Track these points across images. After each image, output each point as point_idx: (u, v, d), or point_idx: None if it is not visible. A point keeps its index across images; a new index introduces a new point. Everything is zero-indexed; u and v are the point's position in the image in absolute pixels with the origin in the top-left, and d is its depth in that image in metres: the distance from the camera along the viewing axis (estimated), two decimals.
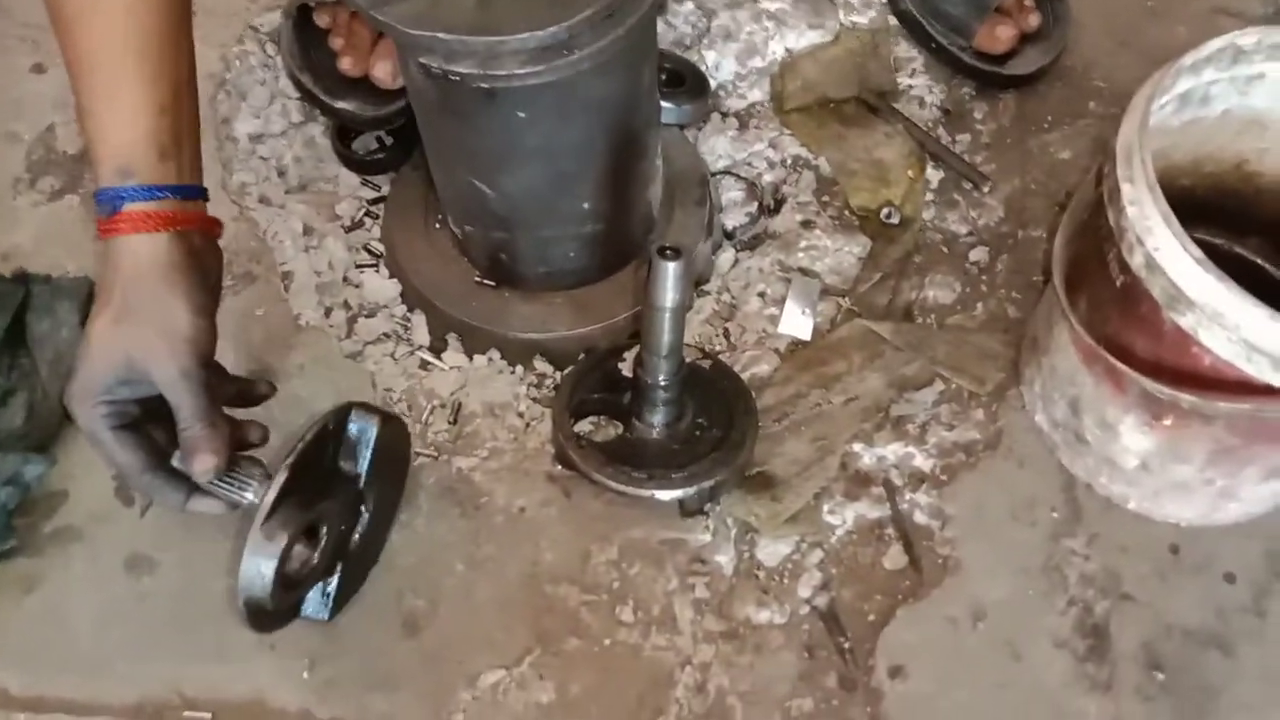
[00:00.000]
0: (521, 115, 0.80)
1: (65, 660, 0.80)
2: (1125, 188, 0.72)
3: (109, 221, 0.69)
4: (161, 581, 0.84)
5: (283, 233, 1.01)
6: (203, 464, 0.70)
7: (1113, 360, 0.76)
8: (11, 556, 0.84)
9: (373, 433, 0.78)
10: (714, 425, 0.88)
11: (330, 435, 0.76)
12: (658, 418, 0.87)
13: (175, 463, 0.72)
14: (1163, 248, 0.69)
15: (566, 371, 0.95)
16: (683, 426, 0.88)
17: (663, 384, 0.84)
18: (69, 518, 0.87)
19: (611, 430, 0.92)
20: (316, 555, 0.75)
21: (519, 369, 0.97)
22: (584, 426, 0.92)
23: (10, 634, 0.82)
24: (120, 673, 0.80)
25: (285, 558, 0.71)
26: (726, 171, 1.09)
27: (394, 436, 0.82)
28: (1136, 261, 0.71)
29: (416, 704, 0.79)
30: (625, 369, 0.93)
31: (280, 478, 0.70)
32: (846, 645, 0.84)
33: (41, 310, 0.92)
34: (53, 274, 0.95)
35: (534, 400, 0.95)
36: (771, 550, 0.87)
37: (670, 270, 0.76)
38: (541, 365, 0.97)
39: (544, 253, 0.95)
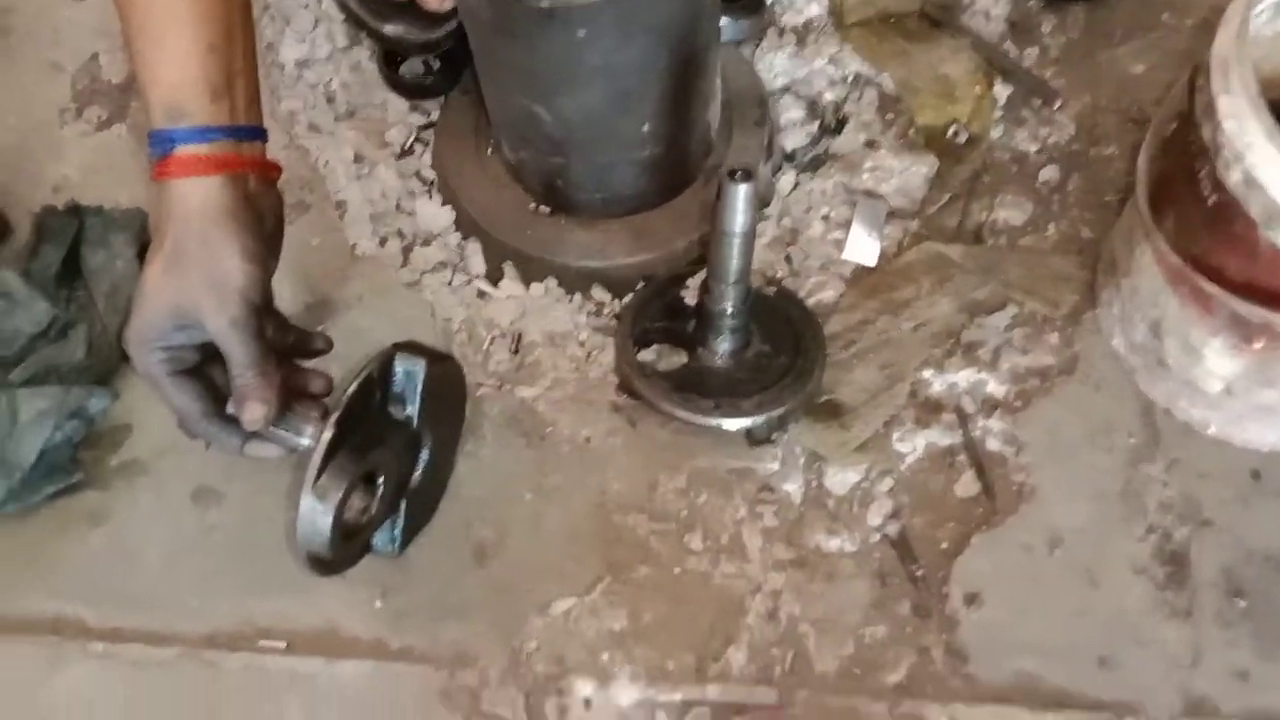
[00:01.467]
0: (581, 34, 0.77)
1: (136, 593, 0.81)
2: (1222, 101, 0.69)
3: (161, 164, 0.67)
4: (228, 514, 0.84)
5: (334, 160, 0.99)
6: (252, 413, 0.69)
7: (1202, 281, 0.73)
8: (78, 490, 0.84)
9: (420, 374, 0.75)
10: (780, 353, 0.86)
11: (376, 383, 0.74)
12: (724, 345, 0.86)
13: (230, 409, 0.71)
14: (1263, 164, 0.66)
15: (628, 299, 0.93)
16: (749, 355, 0.86)
17: (730, 311, 0.82)
18: (134, 451, 0.86)
19: (675, 359, 0.90)
20: (375, 503, 0.74)
21: (576, 297, 0.95)
22: (646, 355, 0.90)
23: (80, 567, 0.82)
24: (191, 605, 0.80)
25: (341, 510, 0.70)
26: (785, 90, 1.06)
27: (444, 373, 0.80)
28: (1233, 179, 0.68)
29: (488, 632, 0.79)
30: (688, 296, 0.91)
31: (326, 435, 0.69)
32: (919, 573, 0.83)
33: (96, 243, 0.91)
34: (104, 205, 0.94)
35: (594, 329, 0.93)
36: (840, 478, 0.86)
37: (741, 193, 0.74)
38: (599, 294, 0.95)
39: (601, 178, 0.93)
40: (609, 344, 0.92)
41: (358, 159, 1.01)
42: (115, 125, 1.02)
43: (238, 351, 0.68)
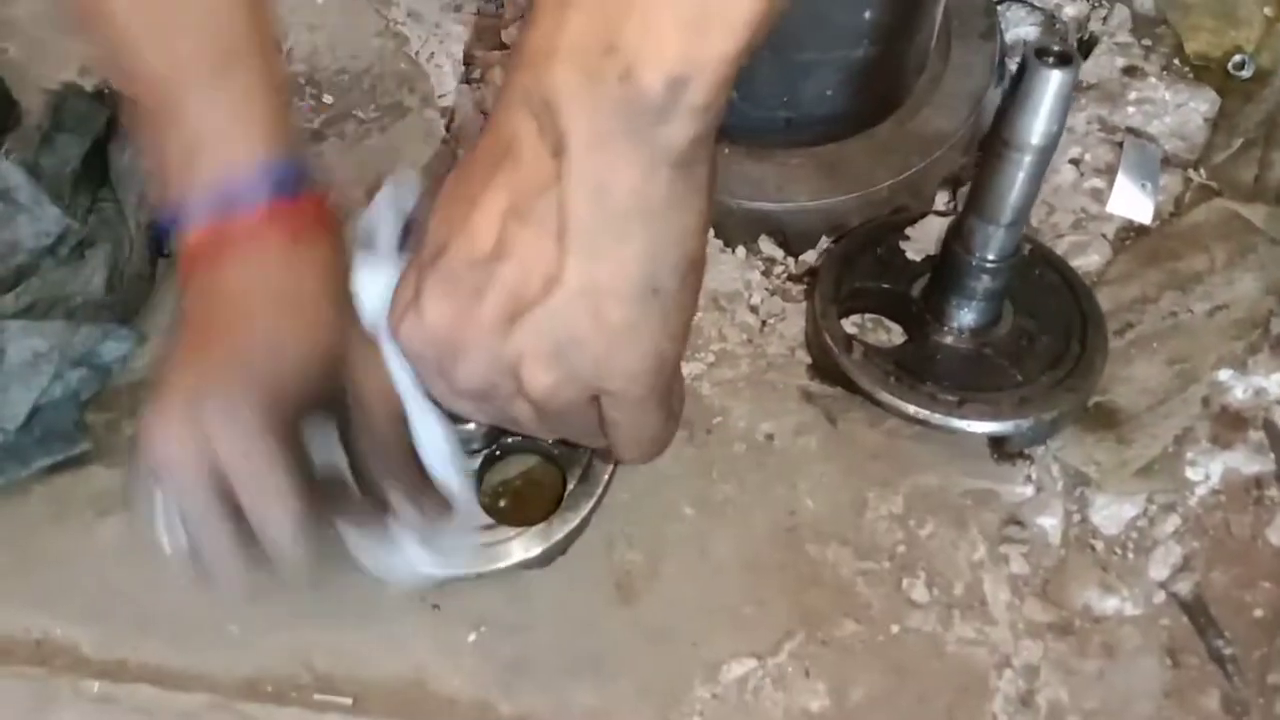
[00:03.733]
0: None
1: (152, 613, 0.58)
2: None
3: None
4: None
5: (440, 56, 0.77)
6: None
7: None
8: (84, 464, 0.63)
9: None
10: (1044, 333, 0.63)
11: None
12: (968, 317, 0.62)
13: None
14: None
15: (828, 251, 0.70)
16: (1002, 333, 0.63)
17: (990, 265, 0.59)
18: None
19: (881, 335, 0.67)
20: None
21: (739, 250, 0.73)
22: (846, 328, 0.67)
23: (80, 572, 0.60)
24: (228, 634, 0.58)
25: None
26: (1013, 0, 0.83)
27: None
28: None
29: (637, 699, 0.56)
30: (910, 250, 0.68)
31: None
32: (1225, 650, 0.59)
33: (125, 138, 0.69)
34: None
35: (770, 291, 0.71)
36: (1112, 512, 0.63)
37: (1053, 84, 0.50)
38: (768, 247, 0.73)
39: (793, 87, 0.70)
40: (789, 311, 0.70)
41: (468, 60, 0.79)
42: None
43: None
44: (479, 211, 0.42)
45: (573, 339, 0.42)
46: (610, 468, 0.60)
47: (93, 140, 0.68)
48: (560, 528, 0.58)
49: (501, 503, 0.62)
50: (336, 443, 0.52)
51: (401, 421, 0.50)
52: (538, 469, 0.62)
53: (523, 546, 0.58)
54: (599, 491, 0.60)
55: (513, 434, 0.59)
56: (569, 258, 0.41)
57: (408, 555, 0.53)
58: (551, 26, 0.39)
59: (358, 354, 0.50)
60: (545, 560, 0.59)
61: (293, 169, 0.52)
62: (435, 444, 0.51)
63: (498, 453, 0.61)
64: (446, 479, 0.51)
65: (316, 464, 0.51)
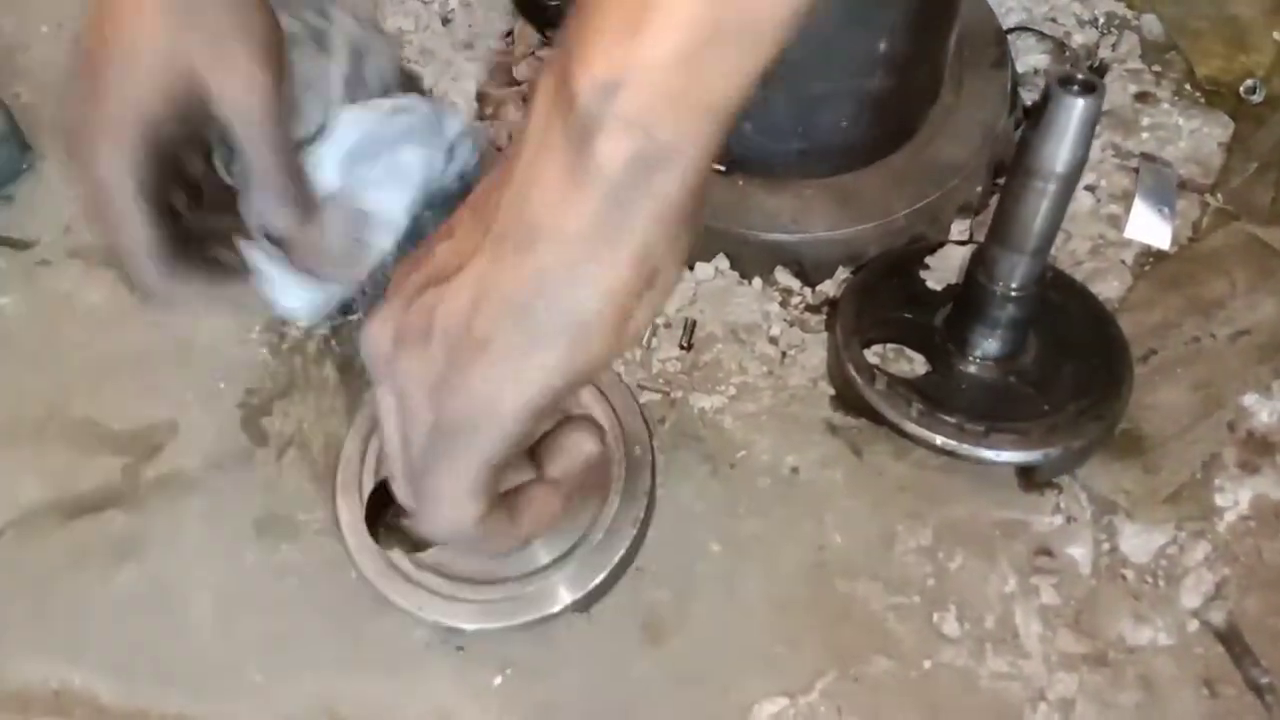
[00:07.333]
0: None
1: (173, 660, 0.58)
2: None
3: None
4: (306, 550, 0.61)
5: (453, 93, 0.77)
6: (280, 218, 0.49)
7: None
8: (101, 511, 0.62)
9: None
10: (1069, 361, 0.63)
11: None
12: (993, 346, 0.62)
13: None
14: None
15: (848, 282, 0.69)
16: (1027, 361, 0.62)
17: (1014, 294, 0.59)
18: (179, 459, 0.64)
19: (902, 365, 0.67)
20: None
21: (756, 282, 0.72)
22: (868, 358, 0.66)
23: (101, 618, 0.59)
24: (251, 681, 0.57)
25: None
26: (1022, 28, 0.83)
27: None
28: None
29: None
30: (930, 280, 0.67)
31: None
32: (1264, 680, 0.59)
33: None
34: None
35: (788, 322, 0.70)
36: (1141, 541, 0.62)
37: (1078, 111, 0.50)
38: (784, 278, 0.72)
39: (808, 118, 0.70)
40: (809, 342, 0.69)
41: (481, 98, 0.79)
42: None
43: (267, 139, 0.47)
44: (469, 198, 0.42)
45: (442, 326, 0.40)
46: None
47: None
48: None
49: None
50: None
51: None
52: None
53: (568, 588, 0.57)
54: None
55: None
56: (480, 251, 0.39)
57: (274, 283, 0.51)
58: (567, 25, 0.37)
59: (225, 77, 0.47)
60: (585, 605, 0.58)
61: None
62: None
63: None
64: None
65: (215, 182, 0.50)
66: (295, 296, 0.52)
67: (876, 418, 0.62)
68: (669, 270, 0.39)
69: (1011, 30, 0.82)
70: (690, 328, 0.69)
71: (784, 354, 0.69)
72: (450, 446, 0.40)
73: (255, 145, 0.47)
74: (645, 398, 0.66)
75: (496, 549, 0.45)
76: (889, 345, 0.67)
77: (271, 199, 0.49)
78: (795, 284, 0.72)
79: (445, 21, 0.82)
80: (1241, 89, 0.79)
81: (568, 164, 0.36)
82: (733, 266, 0.73)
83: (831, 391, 0.66)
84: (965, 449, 0.59)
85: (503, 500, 0.44)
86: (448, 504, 0.42)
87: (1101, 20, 0.84)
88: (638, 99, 0.34)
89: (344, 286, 0.54)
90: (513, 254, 0.38)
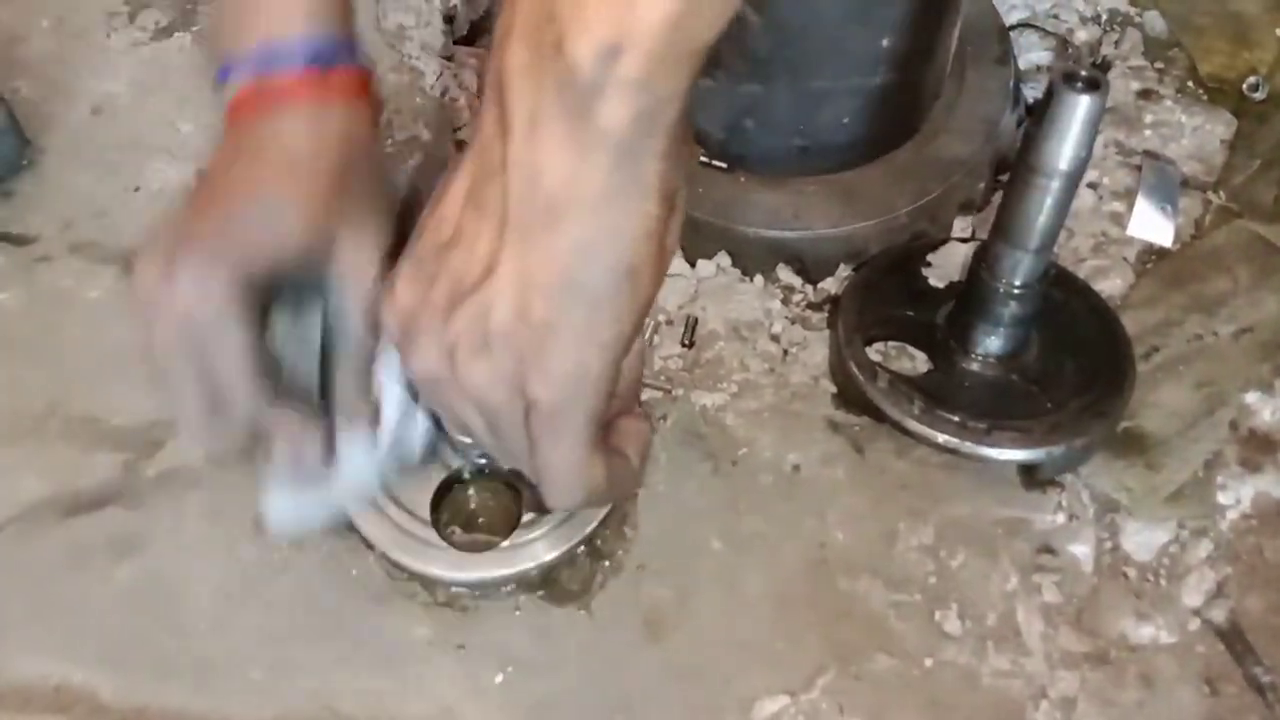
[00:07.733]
0: None
1: (174, 658, 0.57)
2: None
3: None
4: (307, 549, 0.61)
5: (454, 90, 0.77)
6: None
7: None
8: (100, 508, 0.61)
9: None
10: (1072, 359, 0.63)
11: None
12: (996, 344, 0.62)
13: None
14: None
15: (850, 279, 0.69)
16: (1028, 359, 0.62)
17: (1017, 291, 0.58)
18: (179, 455, 0.64)
19: (907, 362, 0.67)
20: None
21: (757, 279, 0.72)
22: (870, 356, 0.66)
23: (101, 615, 0.59)
24: (251, 679, 0.57)
25: None
26: (1025, 25, 0.83)
27: None
28: None
29: None
30: (933, 276, 0.67)
31: None
32: (1265, 678, 0.59)
33: None
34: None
35: (789, 320, 0.70)
36: (1143, 539, 0.62)
37: (1084, 109, 0.50)
38: (786, 275, 0.72)
39: (809, 114, 0.70)
40: (810, 339, 0.69)
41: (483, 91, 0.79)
42: (176, 34, 0.80)
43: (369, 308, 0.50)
44: (447, 197, 0.41)
45: (499, 331, 0.40)
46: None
47: None
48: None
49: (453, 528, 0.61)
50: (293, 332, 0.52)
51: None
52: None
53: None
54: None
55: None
56: (505, 246, 0.39)
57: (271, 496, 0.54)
58: (513, 1, 0.37)
59: (350, 239, 0.49)
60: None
61: (330, 42, 0.52)
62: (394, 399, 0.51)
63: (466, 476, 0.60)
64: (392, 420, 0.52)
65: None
66: (282, 510, 0.55)
67: (878, 415, 0.62)
68: (683, 186, 0.40)
69: (1014, 27, 0.82)
70: (692, 325, 0.69)
71: (786, 351, 0.69)
72: (554, 425, 0.42)
73: (357, 313, 0.50)
74: (647, 395, 0.66)
75: (626, 491, 0.48)
76: (891, 343, 0.67)
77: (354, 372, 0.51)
78: (797, 281, 0.72)
79: (447, 19, 0.82)
80: (1244, 86, 0.79)
81: (571, 135, 0.37)
82: (734, 264, 0.73)
83: (833, 389, 0.66)
84: (967, 447, 0.59)
85: (605, 444, 0.46)
86: (572, 472, 0.43)
87: (1104, 17, 0.84)
88: (638, 61, 0.35)
89: (332, 510, 0.57)
90: (542, 237, 0.38)
